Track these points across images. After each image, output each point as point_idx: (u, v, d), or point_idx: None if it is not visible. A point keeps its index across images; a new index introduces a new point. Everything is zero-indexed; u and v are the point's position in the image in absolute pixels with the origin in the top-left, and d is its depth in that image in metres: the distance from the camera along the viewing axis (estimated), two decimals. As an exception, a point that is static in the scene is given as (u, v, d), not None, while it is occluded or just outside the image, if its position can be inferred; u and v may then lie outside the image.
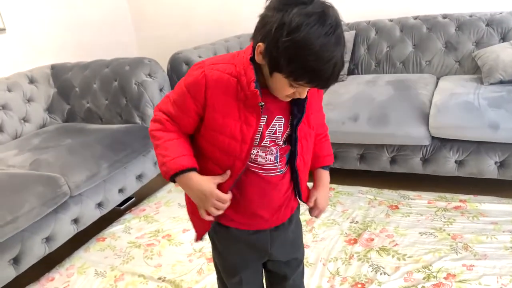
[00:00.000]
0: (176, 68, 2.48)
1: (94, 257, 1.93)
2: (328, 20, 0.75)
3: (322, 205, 1.05)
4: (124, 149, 2.10)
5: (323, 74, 0.77)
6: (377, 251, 1.69)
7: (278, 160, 0.94)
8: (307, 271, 1.63)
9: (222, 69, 0.87)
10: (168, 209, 2.30)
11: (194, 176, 0.91)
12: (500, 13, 2.38)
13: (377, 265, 1.61)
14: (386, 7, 2.75)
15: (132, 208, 2.35)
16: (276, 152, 0.93)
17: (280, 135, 0.92)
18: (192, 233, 1.97)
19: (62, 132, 2.29)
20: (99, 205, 2.03)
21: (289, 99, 0.87)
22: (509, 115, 1.75)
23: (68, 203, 1.84)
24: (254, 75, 0.83)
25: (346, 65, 2.60)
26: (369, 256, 1.67)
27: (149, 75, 2.36)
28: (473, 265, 1.52)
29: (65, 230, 1.84)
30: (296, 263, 1.11)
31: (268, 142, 0.91)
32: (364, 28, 2.70)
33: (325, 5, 0.77)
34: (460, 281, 1.46)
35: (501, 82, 2.04)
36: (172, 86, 2.50)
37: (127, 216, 2.27)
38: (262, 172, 0.93)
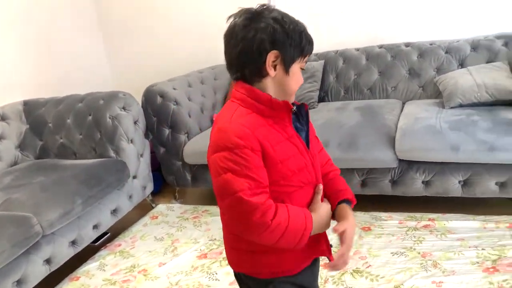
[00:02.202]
0: (151, 100, 2.52)
1: (68, 297, 1.89)
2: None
3: (350, 239, 0.91)
4: (99, 184, 2.10)
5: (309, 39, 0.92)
6: (351, 273, 1.72)
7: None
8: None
9: (240, 115, 0.89)
10: (144, 243, 2.27)
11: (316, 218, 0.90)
12: (458, 41, 2.53)
13: (349, 286, 1.64)
14: (353, 37, 2.89)
15: (107, 244, 2.31)
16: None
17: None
18: (168, 266, 1.96)
19: (35, 169, 2.27)
20: (73, 242, 2.00)
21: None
22: (468, 137, 1.85)
23: (40, 242, 1.81)
24: (267, 93, 0.90)
25: (317, 93, 2.69)
26: (343, 279, 1.70)
27: (124, 108, 2.39)
28: (442, 282, 1.57)
29: (37, 271, 1.80)
30: None
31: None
32: (333, 57, 2.82)
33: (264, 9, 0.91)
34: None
35: (461, 106, 2.16)
36: (147, 118, 2.53)
37: (102, 252, 2.24)
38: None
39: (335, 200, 0.99)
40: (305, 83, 2.70)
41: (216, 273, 1.87)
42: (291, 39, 0.88)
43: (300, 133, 0.95)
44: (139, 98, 2.54)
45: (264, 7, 0.91)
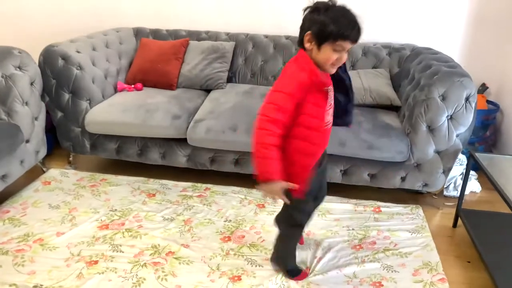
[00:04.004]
0: (51, 62, 2.35)
1: (-50, 267, 1.77)
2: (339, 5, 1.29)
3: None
4: (-11, 149, 1.94)
5: (354, 26, 1.26)
6: (248, 247, 1.96)
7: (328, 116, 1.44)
8: (188, 268, 1.80)
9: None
10: (37, 211, 2.19)
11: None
12: (351, 44, 2.86)
13: (250, 259, 1.87)
14: (262, 22, 3.04)
15: (-7, 210, 2.17)
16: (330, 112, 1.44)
17: (332, 100, 1.44)
18: (67, 236, 1.95)
19: None
20: (-43, 209, 1.85)
21: (334, 70, 1.34)
22: (353, 135, 2.19)
23: None
24: (316, 68, 1.32)
25: (226, 74, 2.81)
26: (242, 251, 1.92)
27: (19, 67, 2.19)
28: (321, 258, 1.89)
29: None
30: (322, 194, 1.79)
31: (330, 106, 1.43)
32: (243, 41, 2.94)
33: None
34: (315, 271, 1.81)
35: (349, 105, 2.50)
36: (45, 80, 2.36)
37: (-12, 219, 2.10)
38: (326, 127, 1.44)
39: None
40: (215, 62, 2.79)
41: (120, 245, 1.93)
42: (324, 25, 1.24)
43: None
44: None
45: (330, 2, 1.28)
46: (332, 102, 1.46)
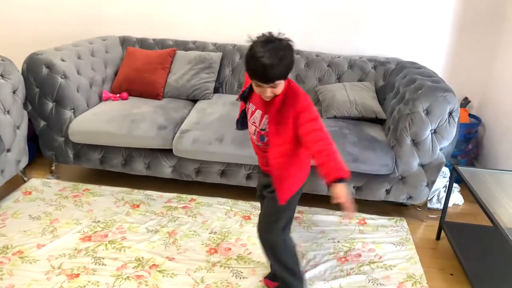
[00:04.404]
0: (35, 70, 2.31)
1: None
2: (268, 44, 1.28)
3: (338, 194, 1.30)
4: (-31, 158, 1.89)
5: (256, 73, 1.30)
6: (236, 259, 1.94)
7: (256, 135, 1.50)
8: (172, 281, 1.77)
9: None
10: (17, 221, 2.14)
11: None
12: (338, 57, 2.90)
13: (237, 271, 1.86)
14: (250, 33, 3.05)
15: (-30, 221, 2.11)
16: (255, 130, 1.49)
17: (258, 121, 1.47)
18: (48, 248, 1.91)
19: None
20: None
21: (267, 99, 1.39)
22: (339, 148, 2.17)
23: None
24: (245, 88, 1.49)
25: (213, 84, 2.81)
26: (229, 263, 1.91)
27: (1, 75, 2.15)
28: (307, 270, 1.89)
29: None
30: None
31: (252, 123, 1.50)
32: (230, 51, 2.95)
33: (270, 37, 1.31)
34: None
35: (335, 117, 2.52)
36: (28, 89, 2.32)
37: (-35, 230, 2.04)
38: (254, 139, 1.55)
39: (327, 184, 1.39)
40: (202, 73, 2.79)
41: (103, 258, 1.89)
42: (245, 65, 1.33)
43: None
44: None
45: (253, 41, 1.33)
46: (255, 121, 1.50)
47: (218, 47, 2.98)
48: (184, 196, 2.46)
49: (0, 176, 2.18)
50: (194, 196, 2.46)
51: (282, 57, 1.27)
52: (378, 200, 2.36)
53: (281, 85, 1.35)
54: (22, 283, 1.72)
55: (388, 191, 2.30)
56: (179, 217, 2.25)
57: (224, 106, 2.60)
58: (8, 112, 2.19)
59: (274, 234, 1.57)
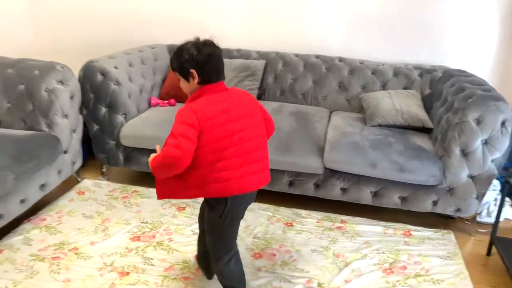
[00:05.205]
0: (90, 76, 2.45)
1: (-9, 271, 1.84)
2: (209, 42, 1.45)
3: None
4: (31, 160, 2.04)
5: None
6: (280, 265, 1.96)
7: None
8: (217, 285, 1.81)
9: None
10: (72, 220, 2.26)
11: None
12: (383, 65, 2.87)
13: (282, 276, 1.88)
14: (293, 41, 3.09)
15: (30, 217, 2.25)
16: None
17: None
18: (101, 246, 2.00)
19: (-45, 134, 2.10)
20: (-1, 217, 1.93)
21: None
22: (384, 157, 2.18)
23: (-33, 216, 1.73)
24: None
25: (256, 92, 2.85)
26: (274, 269, 1.93)
27: (61, 82, 2.30)
28: (351, 279, 1.88)
29: (-39, 245, 1.73)
30: None
31: None
32: (273, 59, 2.99)
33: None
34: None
35: (380, 125, 2.50)
36: (84, 94, 2.46)
37: (26, 226, 2.18)
38: None
39: None
40: (245, 80, 2.85)
41: (152, 259, 1.96)
42: None
43: None
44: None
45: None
46: None
47: (261, 55, 3.03)
48: (227, 200, 2.51)
49: (57, 176, 2.32)
50: (237, 201, 2.50)
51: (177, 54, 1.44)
52: (424, 212, 2.31)
53: (181, 79, 1.47)
54: (77, 278, 1.82)
55: (435, 203, 2.24)
56: (223, 221, 2.29)
57: (267, 113, 2.63)
58: (66, 116, 2.33)
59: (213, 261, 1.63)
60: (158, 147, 1.51)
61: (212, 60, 1.42)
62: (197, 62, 1.40)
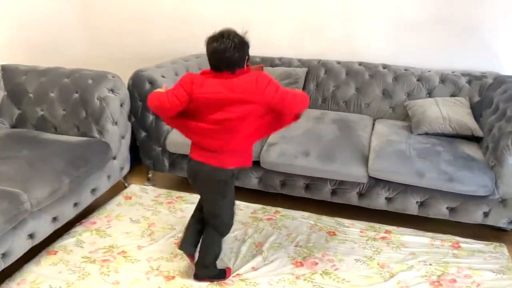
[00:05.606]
0: (139, 85, 2.54)
1: (47, 271, 1.95)
2: (219, 37, 1.63)
3: None
4: (85, 165, 2.14)
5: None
6: (321, 274, 1.94)
7: None
8: (259, 292, 1.83)
9: None
10: (120, 224, 2.35)
11: None
12: (429, 71, 2.80)
13: (319, 286, 1.86)
14: (335, 49, 3.07)
15: (82, 220, 2.36)
16: None
17: None
18: (147, 250, 2.06)
19: (16, 140, 2.25)
20: (55, 219, 2.04)
21: None
22: (432, 166, 2.12)
23: (27, 218, 1.84)
24: None
25: (297, 99, 2.85)
26: (313, 277, 1.92)
27: (112, 90, 2.40)
28: (393, 292, 1.84)
29: (21, 245, 1.85)
30: None
31: None
32: (315, 66, 2.98)
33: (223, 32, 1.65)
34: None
35: (426, 134, 2.43)
36: (133, 102, 2.56)
37: (78, 228, 2.29)
38: None
39: None
40: (288, 88, 2.85)
41: (196, 264, 2.00)
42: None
43: None
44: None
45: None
46: None
47: (303, 63, 3.03)
48: (268, 208, 2.52)
49: (107, 181, 2.42)
50: (278, 209, 2.51)
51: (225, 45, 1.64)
52: (473, 223, 2.21)
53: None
54: (126, 281, 1.89)
55: (486, 214, 2.15)
56: (264, 229, 2.31)
57: (308, 121, 2.62)
58: (116, 123, 2.43)
59: None
60: (165, 86, 1.78)
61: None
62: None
